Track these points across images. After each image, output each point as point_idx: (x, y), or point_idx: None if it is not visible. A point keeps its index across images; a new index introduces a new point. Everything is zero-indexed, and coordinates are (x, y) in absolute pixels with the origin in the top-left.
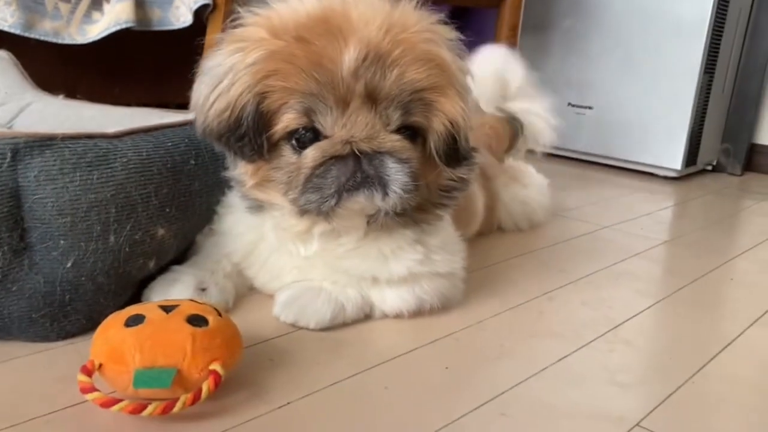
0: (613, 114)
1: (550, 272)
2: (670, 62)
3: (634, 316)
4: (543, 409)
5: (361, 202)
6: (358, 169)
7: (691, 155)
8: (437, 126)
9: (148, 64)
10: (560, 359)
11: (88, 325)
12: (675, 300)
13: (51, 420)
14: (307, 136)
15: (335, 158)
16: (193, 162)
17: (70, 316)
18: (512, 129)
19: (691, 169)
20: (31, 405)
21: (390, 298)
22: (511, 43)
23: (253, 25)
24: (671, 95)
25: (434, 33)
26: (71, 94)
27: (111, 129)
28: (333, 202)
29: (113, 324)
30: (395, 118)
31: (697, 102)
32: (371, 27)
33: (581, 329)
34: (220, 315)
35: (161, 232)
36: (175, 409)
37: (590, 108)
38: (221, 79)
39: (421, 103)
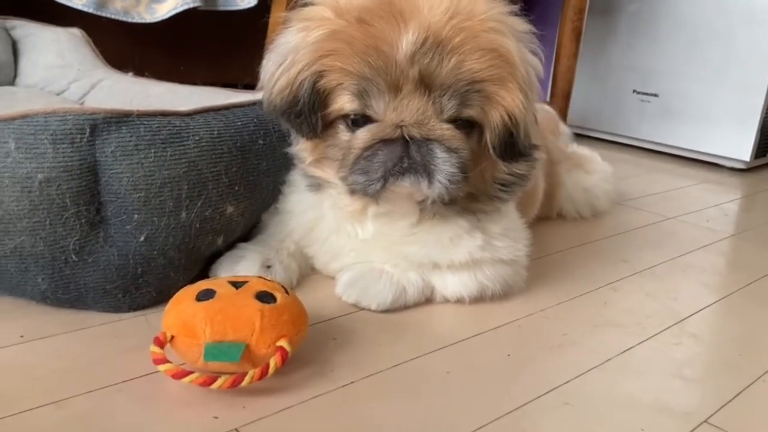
0: (679, 102)
1: (614, 262)
2: (741, 49)
3: (700, 310)
4: (607, 400)
5: (406, 187)
6: (405, 154)
7: (762, 146)
8: (494, 119)
9: (213, 43)
10: (624, 351)
11: (158, 297)
12: (743, 295)
13: (123, 389)
14: (360, 117)
15: (384, 141)
16: (261, 142)
17: (141, 288)
18: (554, 120)
19: (761, 161)
20: (105, 373)
21: (451, 283)
22: (577, 27)
23: (320, 4)
24: (741, 84)
25: (502, 23)
26: (139, 71)
27: (183, 107)
28: (379, 185)
29: (185, 298)
30: (449, 107)
31: None
32: (435, 12)
33: (646, 321)
34: (287, 292)
35: (230, 209)
36: (244, 383)
37: (656, 95)
38: (285, 57)
39: (479, 95)
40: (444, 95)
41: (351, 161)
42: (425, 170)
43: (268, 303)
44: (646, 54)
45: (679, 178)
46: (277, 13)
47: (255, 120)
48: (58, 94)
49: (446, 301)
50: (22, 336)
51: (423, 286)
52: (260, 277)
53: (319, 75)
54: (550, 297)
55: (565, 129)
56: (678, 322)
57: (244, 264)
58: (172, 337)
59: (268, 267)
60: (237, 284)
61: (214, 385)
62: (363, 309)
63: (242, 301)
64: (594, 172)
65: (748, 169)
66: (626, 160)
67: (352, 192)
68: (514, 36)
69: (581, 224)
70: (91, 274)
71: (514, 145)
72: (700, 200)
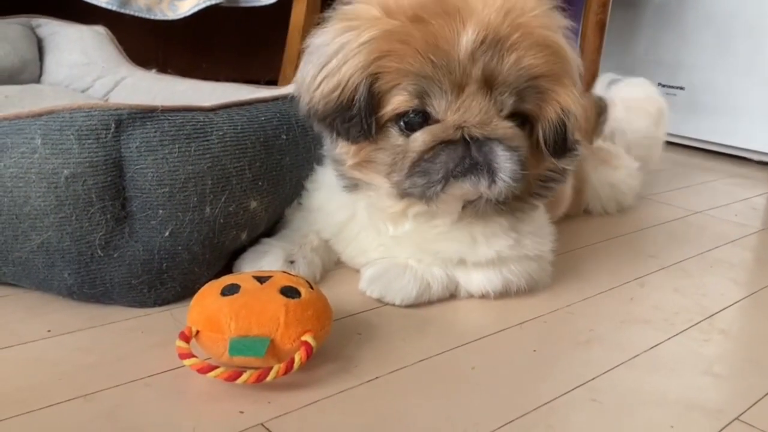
0: (706, 95)
1: (640, 257)
2: None
3: (729, 306)
4: (635, 397)
5: (467, 188)
6: (467, 155)
7: None
8: (550, 114)
9: (235, 39)
10: (652, 347)
11: (183, 292)
12: None
13: (150, 383)
14: (416, 119)
15: (445, 143)
16: (284, 137)
17: (166, 283)
18: (598, 108)
19: None
20: (132, 368)
21: (476, 279)
22: (601, 20)
23: (364, 2)
24: None
25: (551, 19)
26: (162, 69)
27: (207, 103)
28: (439, 187)
29: (210, 293)
30: (509, 104)
31: None
32: (490, 9)
33: (674, 317)
34: (311, 287)
35: (254, 204)
36: (269, 378)
37: (682, 89)
38: (330, 59)
39: (536, 91)
40: (505, 93)
41: (408, 165)
42: (488, 170)
43: (293, 298)
44: (672, 47)
45: (705, 172)
46: (298, 9)
47: (278, 115)
48: (82, 92)
49: (471, 296)
50: (49, 330)
51: (447, 281)
52: (284, 272)
53: (374, 77)
54: (576, 292)
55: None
56: (706, 318)
57: (267, 259)
58: (198, 331)
59: (292, 262)
60: (261, 279)
61: (239, 380)
62: (387, 304)
63: (267, 296)
64: (620, 167)
65: None
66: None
67: (407, 195)
68: (561, 32)
69: (607, 219)
70: (117, 269)
71: (565, 141)
72: (727, 194)
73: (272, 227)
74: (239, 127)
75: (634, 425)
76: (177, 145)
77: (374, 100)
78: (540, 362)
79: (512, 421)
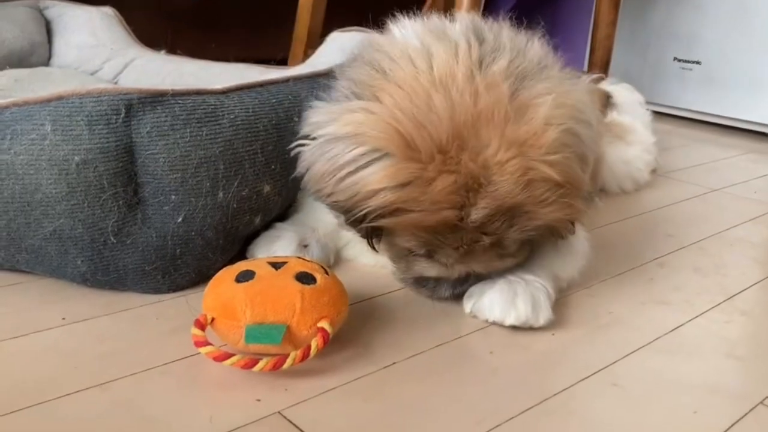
0: (723, 69)
1: (658, 237)
2: None
3: (750, 286)
4: (658, 382)
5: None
6: (466, 281)
7: None
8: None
9: (244, 18)
10: (673, 329)
11: (197, 278)
12: None
13: (166, 371)
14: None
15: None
16: (296, 119)
17: (180, 269)
18: (605, 96)
19: None
20: (147, 356)
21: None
22: None
23: (378, 115)
24: None
25: (569, 134)
26: (171, 49)
27: (217, 85)
28: (436, 296)
29: (224, 279)
30: (513, 250)
31: None
32: (506, 175)
33: (695, 298)
34: (327, 273)
35: (267, 188)
36: (285, 366)
37: (698, 63)
38: (341, 169)
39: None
40: (511, 246)
41: (411, 276)
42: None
43: (308, 284)
44: (688, 20)
45: (722, 148)
46: None
47: (290, 97)
48: (92, 74)
49: None
50: (64, 318)
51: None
52: (300, 257)
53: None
54: (595, 273)
55: (615, 101)
56: (728, 299)
57: (280, 244)
58: (213, 319)
59: (305, 246)
60: (276, 265)
61: (256, 368)
62: (529, 327)
63: (282, 283)
64: (635, 143)
65: None
66: (666, 130)
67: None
68: (580, 131)
69: (623, 198)
70: (130, 256)
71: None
72: (745, 171)
73: (285, 211)
74: (251, 110)
75: (656, 411)
76: (188, 130)
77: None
78: (559, 346)
79: (531, 407)
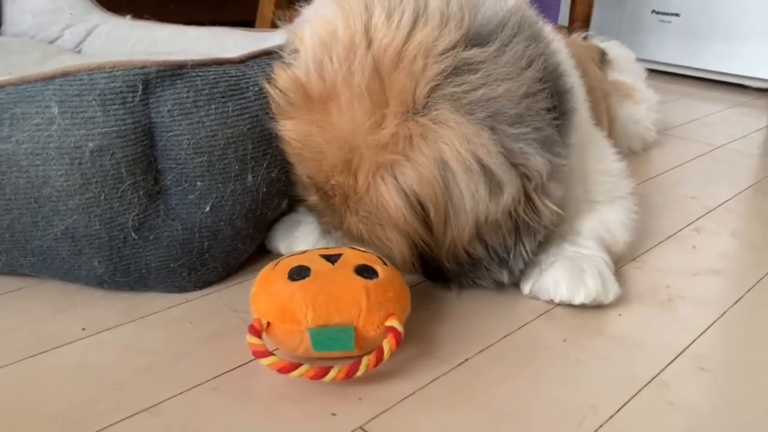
0: (701, 21)
1: (682, 199)
2: None
3: None
4: (740, 361)
5: None
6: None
7: None
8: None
9: None
10: (736, 302)
11: (224, 272)
12: None
13: (218, 386)
14: None
15: None
16: None
17: (207, 264)
18: (600, 53)
19: None
20: (192, 369)
21: None
22: None
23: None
24: None
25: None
26: (126, 11)
27: (228, 53)
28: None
29: (275, 277)
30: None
31: None
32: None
33: (742, 268)
34: (385, 264)
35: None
36: (359, 373)
37: (676, 15)
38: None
39: None
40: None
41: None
42: None
43: (371, 278)
44: None
45: (710, 103)
46: None
47: None
48: (50, 42)
49: None
50: (84, 329)
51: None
52: (352, 247)
53: None
54: (638, 242)
55: (610, 59)
56: None
57: (303, 229)
58: (268, 323)
59: (329, 231)
60: (331, 258)
61: (327, 378)
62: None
63: (343, 278)
64: (642, 101)
65: None
66: (650, 86)
67: None
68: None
69: (633, 159)
70: (154, 253)
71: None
72: (740, 125)
73: None
74: None
75: (753, 394)
76: (213, 106)
77: None
78: (631, 328)
79: (630, 400)
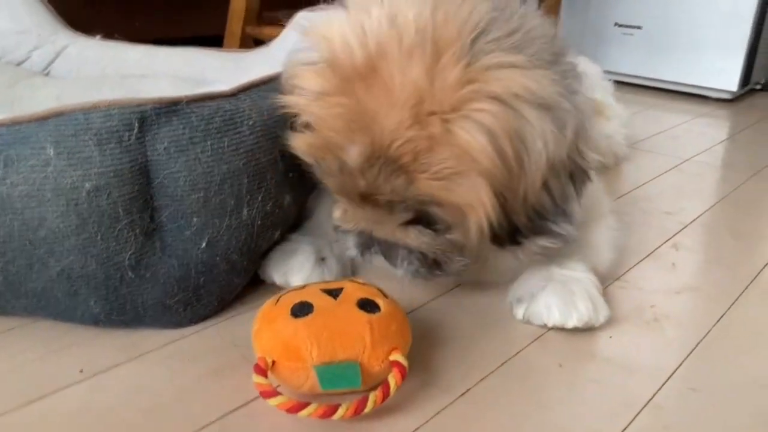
0: (663, 34)
1: (657, 215)
2: None
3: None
4: (730, 381)
5: (382, 263)
6: (372, 243)
7: (746, 76)
8: (467, 222)
9: None
10: (719, 319)
11: (219, 307)
12: None
13: (225, 426)
14: None
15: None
16: None
17: (202, 299)
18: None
19: (744, 90)
20: (197, 408)
21: None
22: None
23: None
24: (730, 9)
25: (484, 100)
26: (92, 31)
27: (221, 85)
28: (354, 253)
29: (278, 314)
30: (403, 216)
31: (757, 17)
32: (392, 115)
33: (723, 283)
34: (385, 296)
35: (288, 199)
36: (366, 410)
37: (639, 28)
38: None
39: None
40: (396, 207)
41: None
42: (393, 259)
43: (373, 312)
44: None
45: (674, 114)
46: None
47: None
48: (18, 65)
49: None
50: (81, 371)
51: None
52: (351, 279)
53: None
54: (618, 261)
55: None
56: (753, 280)
57: (297, 259)
58: (273, 361)
59: (323, 259)
60: (333, 292)
61: (336, 416)
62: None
63: (345, 313)
64: (613, 117)
65: (733, 99)
66: (618, 99)
67: None
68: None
69: (605, 175)
70: (150, 291)
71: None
72: (705, 137)
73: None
74: (266, 113)
75: (743, 413)
76: (209, 142)
77: None
78: (621, 350)
79: (628, 425)
